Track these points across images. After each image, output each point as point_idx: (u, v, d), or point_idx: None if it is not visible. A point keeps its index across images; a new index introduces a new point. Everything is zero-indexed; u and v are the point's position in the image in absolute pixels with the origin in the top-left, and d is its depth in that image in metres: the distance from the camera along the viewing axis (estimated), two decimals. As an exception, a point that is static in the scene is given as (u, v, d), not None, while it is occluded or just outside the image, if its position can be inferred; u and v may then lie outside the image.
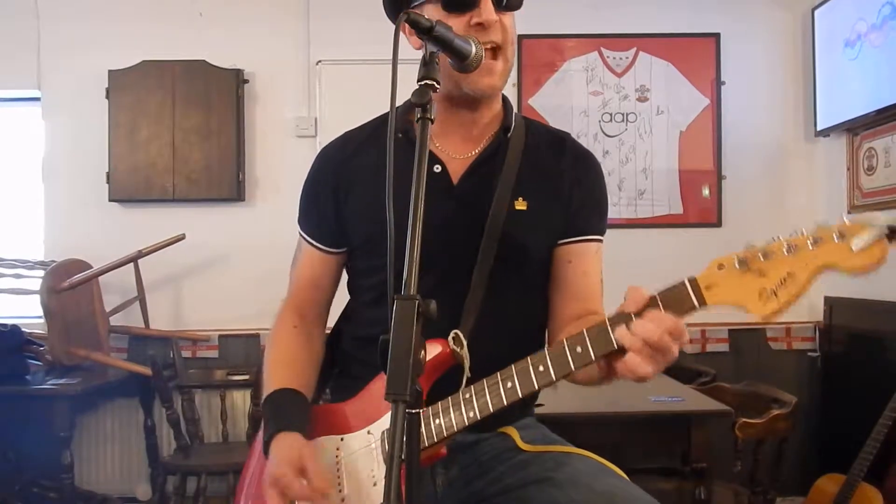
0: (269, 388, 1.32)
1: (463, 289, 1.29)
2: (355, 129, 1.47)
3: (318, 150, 1.49)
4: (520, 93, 3.93)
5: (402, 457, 0.86)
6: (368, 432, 1.25)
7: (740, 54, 3.97)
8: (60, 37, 3.93)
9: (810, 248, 0.94)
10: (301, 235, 1.47)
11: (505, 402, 1.13)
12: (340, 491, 1.24)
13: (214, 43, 3.91)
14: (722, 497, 2.71)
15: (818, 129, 3.80)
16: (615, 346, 1.06)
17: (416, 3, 1.29)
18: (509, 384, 1.13)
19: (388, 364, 0.89)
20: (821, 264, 0.94)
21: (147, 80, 3.84)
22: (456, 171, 1.35)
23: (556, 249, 1.39)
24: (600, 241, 1.41)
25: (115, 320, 3.78)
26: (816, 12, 3.75)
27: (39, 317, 3.48)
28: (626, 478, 1.27)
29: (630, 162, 3.96)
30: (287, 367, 1.36)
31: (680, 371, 3.16)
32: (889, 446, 2.76)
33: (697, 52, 3.97)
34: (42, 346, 3.48)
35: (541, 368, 1.11)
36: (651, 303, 1.05)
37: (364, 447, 1.25)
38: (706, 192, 3.95)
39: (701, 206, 3.95)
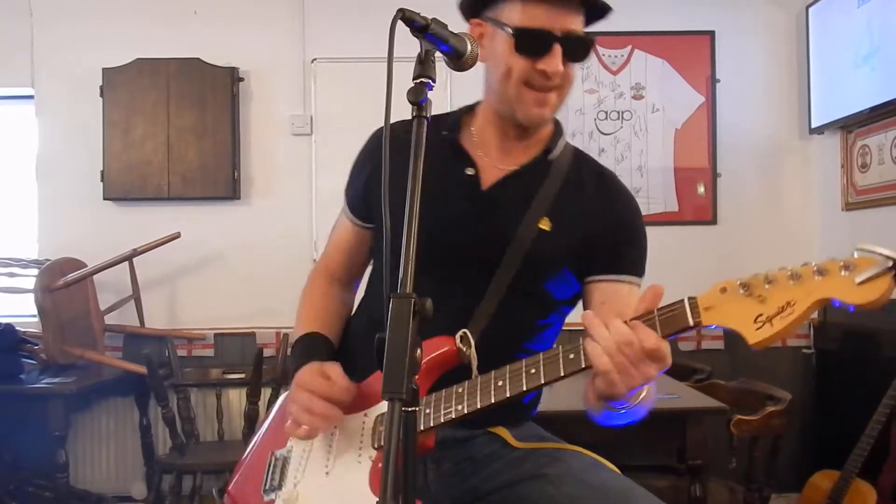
0: (299, 333, 1.42)
1: (478, 292, 1.29)
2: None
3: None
4: (515, 91, 3.93)
5: (396, 455, 0.86)
6: (365, 415, 1.28)
7: (735, 52, 3.97)
8: (54, 34, 3.92)
9: (814, 278, 0.94)
10: (344, 201, 1.51)
11: (493, 400, 1.14)
12: (326, 466, 1.28)
13: (209, 41, 3.90)
14: (717, 494, 2.72)
15: (813, 126, 3.81)
16: None
17: (493, 7, 1.31)
18: (500, 383, 1.14)
19: (385, 362, 0.89)
20: (822, 296, 0.94)
21: (141, 78, 3.82)
22: (488, 178, 1.36)
23: (589, 286, 1.36)
24: (637, 284, 1.36)
25: (110, 319, 3.77)
26: (811, 10, 3.76)
27: (34, 316, 3.46)
28: (620, 473, 1.28)
29: (625, 160, 3.96)
30: (317, 320, 1.44)
31: (675, 368, 3.13)
32: (883, 442, 2.78)
33: (692, 50, 3.97)
34: (37, 344, 3.47)
35: (532, 371, 1.12)
36: (646, 315, 1.06)
37: (358, 428, 1.27)
38: (701, 189, 3.96)
39: (696, 204, 3.96)
